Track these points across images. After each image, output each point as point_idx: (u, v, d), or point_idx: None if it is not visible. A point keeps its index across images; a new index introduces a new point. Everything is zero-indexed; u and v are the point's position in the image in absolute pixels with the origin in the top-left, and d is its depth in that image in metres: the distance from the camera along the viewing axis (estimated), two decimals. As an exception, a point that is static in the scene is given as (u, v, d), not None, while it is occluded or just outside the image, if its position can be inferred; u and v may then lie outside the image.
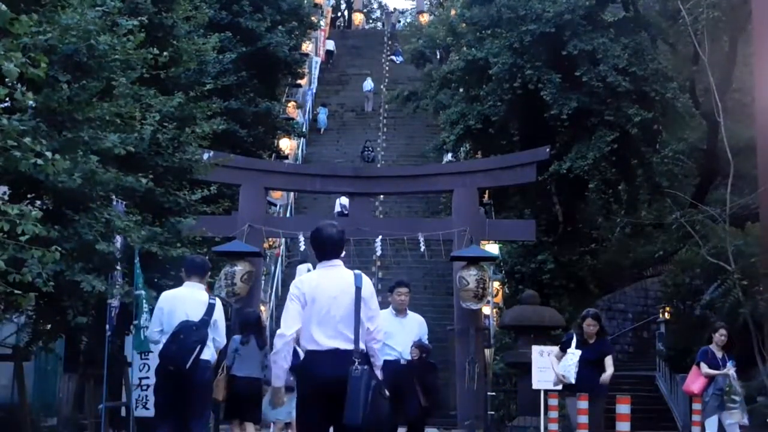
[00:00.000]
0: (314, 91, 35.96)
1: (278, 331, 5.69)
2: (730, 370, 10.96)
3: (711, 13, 18.87)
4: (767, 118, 16.29)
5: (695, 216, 19.32)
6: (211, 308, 7.83)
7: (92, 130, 9.04)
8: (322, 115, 34.64)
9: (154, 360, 11.92)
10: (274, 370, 5.80)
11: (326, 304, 5.65)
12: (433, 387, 9.34)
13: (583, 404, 9.63)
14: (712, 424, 10.99)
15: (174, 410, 7.82)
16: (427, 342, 9.33)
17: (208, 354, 7.81)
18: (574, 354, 9.78)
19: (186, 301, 7.87)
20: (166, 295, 8.09)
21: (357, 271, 5.93)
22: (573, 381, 9.73)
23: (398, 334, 9.07)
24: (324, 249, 5.89)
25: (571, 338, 9.99)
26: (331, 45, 41.41)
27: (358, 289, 5.74)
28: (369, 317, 5.75)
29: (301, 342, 5.70)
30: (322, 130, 34.56)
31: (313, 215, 27.48)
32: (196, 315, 7.74)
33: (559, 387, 10.78)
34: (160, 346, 7.84)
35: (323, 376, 5.51)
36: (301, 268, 20.56)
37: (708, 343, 11.30)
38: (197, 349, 7.59)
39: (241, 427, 10.11)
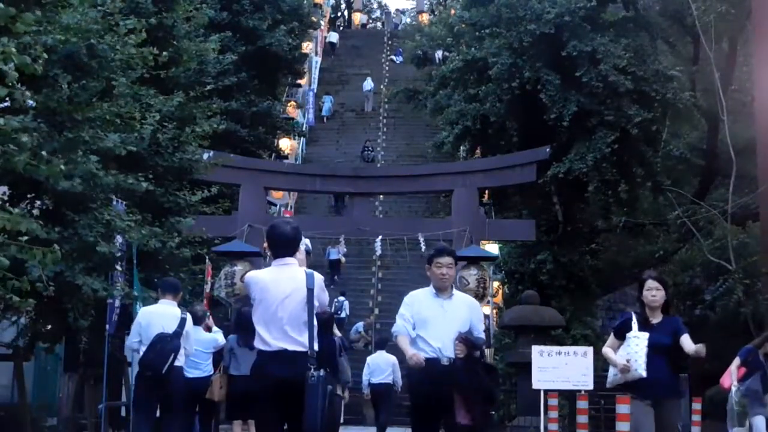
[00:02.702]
0: (315, 90, 36.11)
1: None
2: (734, 387, 10.86)
3: (719, 7, 18.84)
4: (767, 118, 16.29)
5: (697, 214, 19.33)
6: (183, 322, 8.95)
7: (92, 130, 9.04)
8: (327, 103, 35.57)
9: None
10: None
11: (274, 304, 5.52)
12: (483, 397, 6.45)
13: (584, 404, 9.48)
14: (759, 422, 10.86)
15: (152, 411, 9.01)
16: (481, 333, 6.64)
17: (181, 361, 8.95)
18: (638, 338, 6.96)
19: (162, 316, 8.93)
20: (145, 311, 9.23)
21: (309, 270, 5.74)
22: (644, 372, 6.84)
23: (437, 321, 6.42)
24: (277, 246, 5.73)
25: (629, 319, 7.14)
26: (334, 37, 42.48)
27: (311, 291, 5.57)
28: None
29: (254, 341, 5.64)
30: (326, 118, 35.53)
31: (313, 215, 27.52)
32: (170, 328, 8.83)
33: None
34: (139, 354, 8.94)
35: (274, 377, 5.45)
36: None
37: (760, 346, 11.20)
38: (171, 357, 8.73)
39: (244, 426, 10.11)
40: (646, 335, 6.93)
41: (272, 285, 5.58)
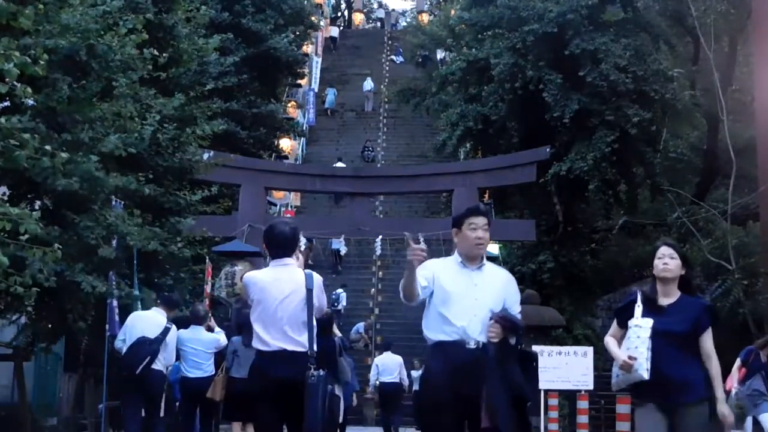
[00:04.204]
0: (315, 90, 36.15)
1: None
2: (734, 389, 10.77)
3: (719, 7, 18.88)
4: (767, 118, 16.28)
5: (696, 214, 19.34)
6: (165, 331, 9.52)
7: (92, 130, 9.03)
8: (331, 96, 35.77)
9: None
10: None
11: (273, 305, 5.54)
12: (516, 398, 4.92)
13: (584, 404, 9.33)
14: (746, 424, 10.82)
15: (137, 410, 9.60)
16: (518, 315, 5.22)
17: (160, 365, 9.48)
18: (640, 326, 5.30)
19: (147, 321, 9.59)
20: (134, 315, 9.80)
21: (308, 271, 5.76)
22: (645, 374, 5.22)
23: (464, 297, 5.10)
24: (276, 247, 5.74)
25: (633, 301, 5.48)
26: (334, 32, 43.18)
27: (310, 291, 5.59)
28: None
29: (253, 341, 5.70)
30: (329, 110, 35.74)
31: (313, 215, 27.51)
32: (152, 333, 9.42)
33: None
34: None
35: (274, 377, 5.48)
36: None
37: (762, 347, 11.15)
38: (147, 359, 9.26)
39: (243, 427, 10.10)
40: (649, 322, 5.28)
41: (271, 285, 5.59)
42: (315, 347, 5.55)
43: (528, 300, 17.87)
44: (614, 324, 5.66)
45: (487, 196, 23.48)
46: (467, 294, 5.12)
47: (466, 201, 17.91)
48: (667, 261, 5.39)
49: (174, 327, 9.82)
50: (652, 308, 5.36)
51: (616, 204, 22.87)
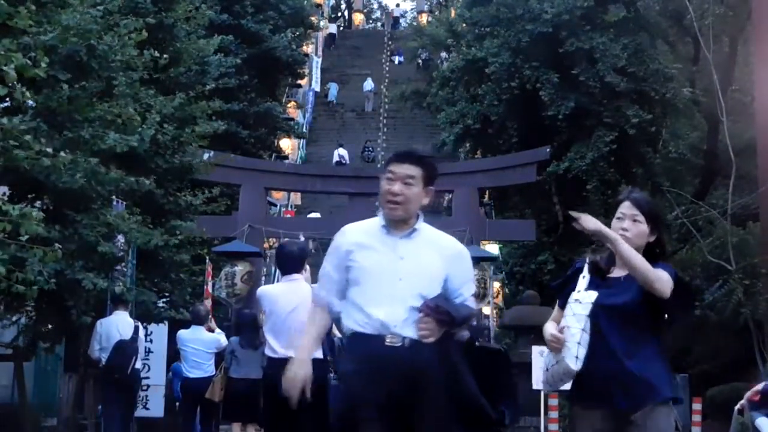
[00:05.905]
0: (315, 90, 36.15)
1: None
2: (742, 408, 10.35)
3: (717, 9, 18.88)
4: (767, 118, 16.27)
5: (697, 214, 19.31)
6: (136, 329, 10.01)
7: (92, 129, 9.03)
8: (333, 90, 36.06)
9: (153, 360, 12.17)
10: None
11: (281, 316, 6.23)
12: (464, 415, 3.72)
13: None
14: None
15: (118, 411, 10.08)
16: (468, 299, 3.92)
17: (138, 364, 10.05)
18: (581, 302, 3.92)
19: (118, 324, 9.94)
20: (102, 321, 10.08)
21: (315, 285, 6.20)
22: (573, 364, 3.83)
23: (382, 275, 3.77)
24: (285, 264, 6.52)
25: (579, 270, 4.10)
26: (333, 28, 43.49)
27: None
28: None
29: (264, 349, 6.45)
30: (332, 103, 35.97)
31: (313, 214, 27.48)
32: (126, 334, 9.84)
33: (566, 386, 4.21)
34: (102, 361, 9.86)
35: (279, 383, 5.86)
36: None
37: None
38: (134, 358, 9.78)
39: (243, 427, 10.10)
40: (592, 295, 3.91)
41: (282, 298, 6.34)
42: (319, 354, 5.87)
43: (528, 300, 17.90)
44: (556, 306, 4.18)
45: (487, 196, 23.49)
46: (387, 271, 3.73)
47: (466, 201, 17.92)
48: (626, 225, 4.05)
49: (140, 325, 10.27)
50: (602, 280, 4.02)
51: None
